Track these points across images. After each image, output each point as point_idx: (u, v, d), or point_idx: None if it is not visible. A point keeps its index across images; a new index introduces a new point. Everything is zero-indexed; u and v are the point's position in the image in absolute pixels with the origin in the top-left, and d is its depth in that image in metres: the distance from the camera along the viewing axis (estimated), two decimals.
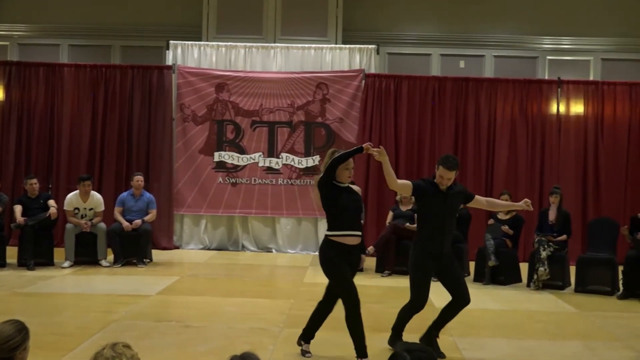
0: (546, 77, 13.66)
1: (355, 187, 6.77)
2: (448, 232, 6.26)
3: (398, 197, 11.39)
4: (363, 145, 5.91)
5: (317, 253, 12.80)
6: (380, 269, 10.90)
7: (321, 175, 5.99)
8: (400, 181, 6.18)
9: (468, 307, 7.52)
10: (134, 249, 11.15)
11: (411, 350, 2.69)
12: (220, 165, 13.26)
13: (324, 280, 6.19)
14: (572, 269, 10.20)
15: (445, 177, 6.13)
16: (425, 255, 6.21)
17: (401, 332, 6.45)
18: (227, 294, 9.16)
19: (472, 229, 11.28)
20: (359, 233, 5.99)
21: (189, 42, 13.50)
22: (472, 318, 8.10)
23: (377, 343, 6.42)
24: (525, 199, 6.55)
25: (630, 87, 13.15)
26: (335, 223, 5.94)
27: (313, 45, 13.41)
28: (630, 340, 7.21)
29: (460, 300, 6.30)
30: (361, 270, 11.03)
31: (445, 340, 6.98)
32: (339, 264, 5.88)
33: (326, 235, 5.99)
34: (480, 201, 6.54)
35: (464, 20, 14.01)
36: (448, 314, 6.41)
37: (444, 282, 6.36)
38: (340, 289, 5.96)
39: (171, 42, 13.44)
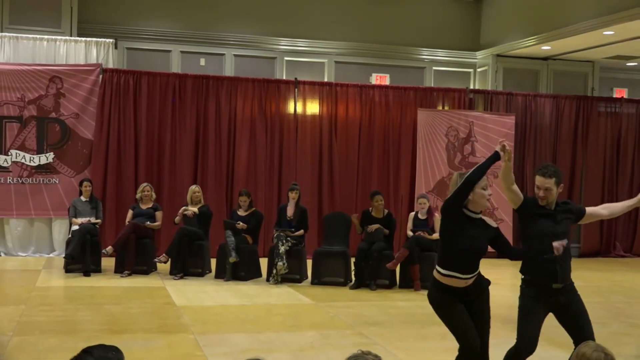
0: (284, 78, 14.08)
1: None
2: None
3: (138, 195, 11.11)
4: (499, 150, 4.66)
5: (52, 255, 12.33)
6: (119, 269, 10.56)
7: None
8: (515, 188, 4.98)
9: (208, 303, 7.50)
10: None
11: None
12: None
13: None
14: (310, 262, 10.63)
15: (542, 187, 4.83)
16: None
17: None
18: None
19: (212, 225, 11.33)
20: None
21: None
22: (213, 315, 8.16)
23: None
24: None
25: (360, 88, 13.96)
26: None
27: (46, 37, 12.66)
28: (361, 327, 7.67)
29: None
30: (99, 271, 10.73)
31: (186, 338, 6.98)
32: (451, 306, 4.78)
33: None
34: (596, 214, 5.24)
35: (205, 18, 14.02)
36: None
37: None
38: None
39: None
